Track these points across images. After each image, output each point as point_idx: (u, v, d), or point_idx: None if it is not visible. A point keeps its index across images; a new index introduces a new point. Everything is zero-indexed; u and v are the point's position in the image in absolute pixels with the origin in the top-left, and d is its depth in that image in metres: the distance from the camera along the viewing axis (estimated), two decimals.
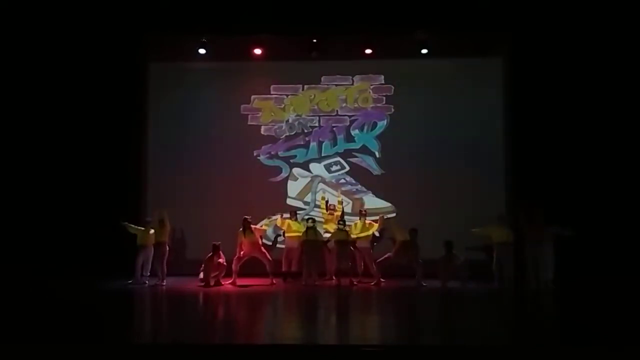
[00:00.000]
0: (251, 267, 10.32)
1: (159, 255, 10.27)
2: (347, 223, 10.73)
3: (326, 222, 11.39)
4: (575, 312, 7.44)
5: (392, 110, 11.93)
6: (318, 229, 10.63)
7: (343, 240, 10.21)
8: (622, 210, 10.61)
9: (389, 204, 11.62)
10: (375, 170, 11.81)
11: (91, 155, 11.25)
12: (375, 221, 10.87)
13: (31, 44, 11.15)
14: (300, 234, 10.52)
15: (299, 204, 11.72)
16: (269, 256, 10.22)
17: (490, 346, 5.33)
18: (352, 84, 12.04)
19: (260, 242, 10.36)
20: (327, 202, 11.56)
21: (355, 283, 10.06)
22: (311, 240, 10.22)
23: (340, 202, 11.52)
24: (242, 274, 10.11)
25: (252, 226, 10.16)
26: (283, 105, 12.05)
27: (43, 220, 10.91)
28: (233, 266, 10.00)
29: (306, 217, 10.88)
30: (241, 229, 10.03)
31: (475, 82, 11.68)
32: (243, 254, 10.07)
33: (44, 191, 11.12)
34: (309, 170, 11.90)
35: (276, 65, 12.04)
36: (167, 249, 10.39)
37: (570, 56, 10.91)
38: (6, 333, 5.72)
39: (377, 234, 10.87)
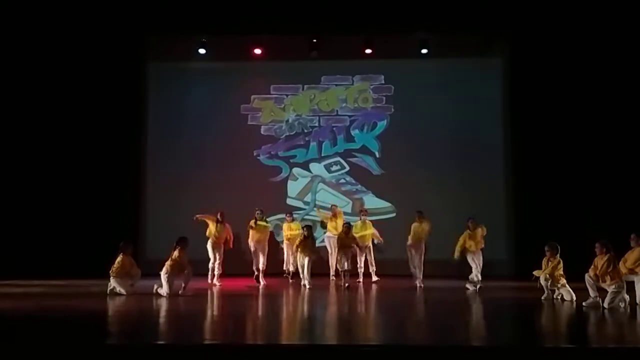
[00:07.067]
0: (245, 267, 10.34)
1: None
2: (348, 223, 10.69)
3: (325, 222, 11.35)
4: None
5: (392, 110, 11.93)
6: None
7: (346, 239, 10.14)
8: (621, 208, 10.58)
9: (389, 204, 11.62)
10: (375, 170, 11.81)
11: (91, 154, 11.25)
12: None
13: (32, 44, 11.14)
14: (299, 234, 10.49)
15: (299, 204, 11.72)
16: (265, 256, 10.21)
17: (493, 346, 5.31)
18: (352, 84, 12.05)
19: (266, 238, 10.36)
20: (320, 204, 11.51)
21: (350, 285, 10.01)
22: (310, 240, 10.18)
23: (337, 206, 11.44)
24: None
25: (261, 223, 10.18)
26: (283, 105, 12.05)
27: (43, 220, 10.91)
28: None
29: (305, 217, 10.84)
30: (253, 220, 10.06)
31: (475, 82, 11.69)
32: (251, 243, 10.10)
33: (44, 191, 11.10)
34: (309, 170, 11.90)
35: (276, 65, 12.04)
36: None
37: (570, 56, 10.92)
38: (6, 333, 5.72)
39: (377, 234, 10.84)
